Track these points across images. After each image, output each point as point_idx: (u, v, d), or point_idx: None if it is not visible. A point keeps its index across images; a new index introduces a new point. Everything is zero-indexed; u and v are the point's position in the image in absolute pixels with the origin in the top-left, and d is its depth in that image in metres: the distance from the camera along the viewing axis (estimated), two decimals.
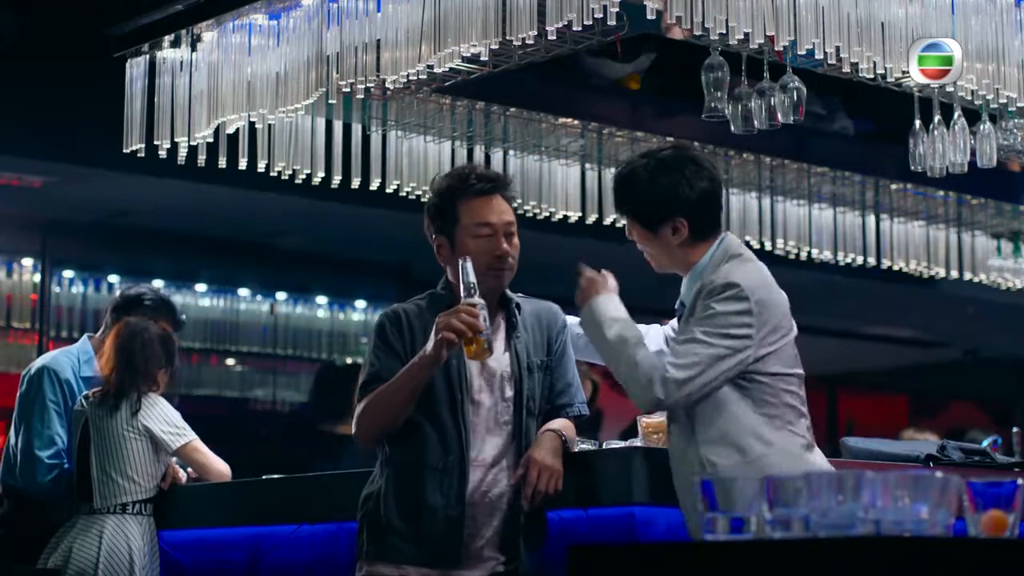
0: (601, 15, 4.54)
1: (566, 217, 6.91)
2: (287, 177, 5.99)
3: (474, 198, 4.11)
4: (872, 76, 5.08)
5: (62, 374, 5.63)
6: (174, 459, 5.45)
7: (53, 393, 5.61)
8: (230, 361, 10.48)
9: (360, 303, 10.65)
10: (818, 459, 3.90)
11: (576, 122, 6.49)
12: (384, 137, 6.24)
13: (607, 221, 7.03)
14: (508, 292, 4.18)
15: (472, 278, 3.96)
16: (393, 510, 4.04)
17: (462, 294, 3.97)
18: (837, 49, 4.80)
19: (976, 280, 8.11)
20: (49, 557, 5.29)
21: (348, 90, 5.25)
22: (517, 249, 4.14)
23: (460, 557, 4.01)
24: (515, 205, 4.23)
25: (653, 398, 3.76)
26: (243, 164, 5.81)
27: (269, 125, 5.77)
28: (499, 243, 4.09)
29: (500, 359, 4.11)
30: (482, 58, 5.09)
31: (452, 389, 4.06)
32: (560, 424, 4.17)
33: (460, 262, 3.99)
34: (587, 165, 6.87)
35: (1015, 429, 6.89)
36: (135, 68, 5.79)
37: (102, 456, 5.29)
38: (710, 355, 3.75)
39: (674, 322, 4.18)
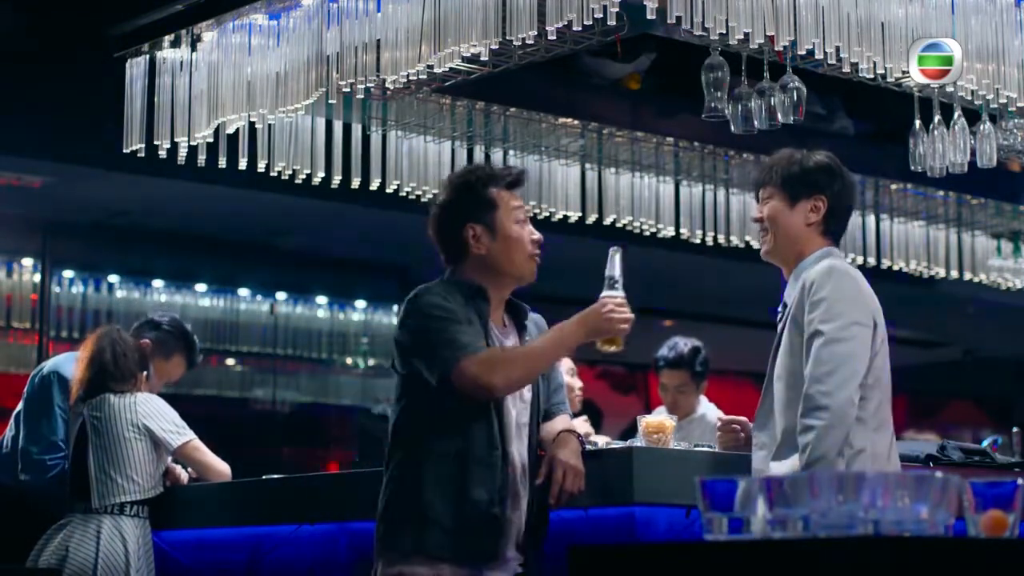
0: (601, 15, 4.55)
1: (566, 217, 6.90)
2: (287, 177, 5.99)
3: (505, 189, 4.17)
4: (872, 76, 5.08)
5: (70, 379, 5.64)
6: (170, 459, 5.45)
7: (61, 399, 5.62)
8: (230, 361, 10.47)
9: (360, 303, 10.65)
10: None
11: (576, 122, 6.48)
12: (384, 137, 6.24)
13: (607, 221, 7.03)
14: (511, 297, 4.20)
15: (619, 271, 4.04)
16: (436, 501, 3.93)
17: (609, 287, 4.03)
18: (837, 49, 4.80)
19: (976, 280, 8.11)
20: (40, 555, 5.28)
21: (348, 90, 5.25)
22: None
23: (497, 555, 3.97)
24: None
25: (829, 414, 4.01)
26: (243, 164, 5.81)
27: (269, 125, 5.77)
28: (533, 229, 4.16)
29: None
30: (482, 58, 5.09)
31: None
32: (569, 423, 4.21)
33: (611, 252, 4.05)
34: (587, 165, 6.87)
35: (1015, 429, 6.88)
36: (135, 68, 5.79)
37: (101, 456, 5.29)
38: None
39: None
